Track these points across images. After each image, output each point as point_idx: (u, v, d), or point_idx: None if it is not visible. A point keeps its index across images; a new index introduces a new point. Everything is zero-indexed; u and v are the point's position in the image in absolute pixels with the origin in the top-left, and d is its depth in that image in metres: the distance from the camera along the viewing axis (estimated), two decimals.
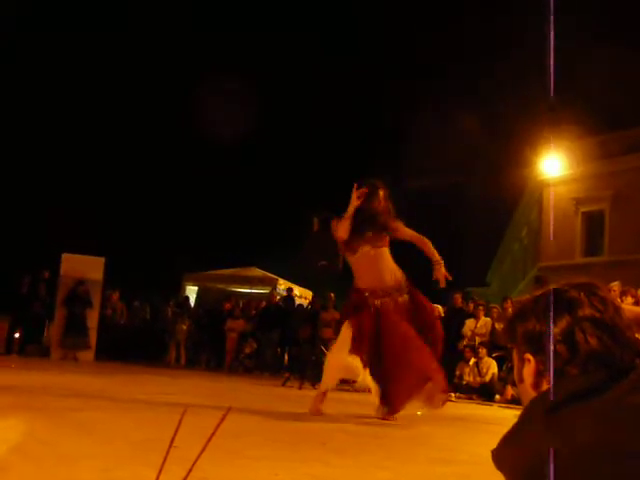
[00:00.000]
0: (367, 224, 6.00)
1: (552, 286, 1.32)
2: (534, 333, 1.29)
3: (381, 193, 6.10)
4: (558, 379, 1.23)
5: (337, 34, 48.68)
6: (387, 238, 6.12)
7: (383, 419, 5.87)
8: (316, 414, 5.87)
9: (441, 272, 6.20)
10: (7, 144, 30.25)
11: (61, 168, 33.12)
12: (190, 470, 1.25)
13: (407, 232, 6.20)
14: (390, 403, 5.92)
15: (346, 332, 5.95)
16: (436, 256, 6.24)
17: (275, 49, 42.29)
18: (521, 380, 1.34)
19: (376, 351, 5.88)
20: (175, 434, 1.27)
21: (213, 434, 1.23)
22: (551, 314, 1.25)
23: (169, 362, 17.41)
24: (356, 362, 5.82)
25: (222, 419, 1.25)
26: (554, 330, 1.26)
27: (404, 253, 6.53)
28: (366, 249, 6.02)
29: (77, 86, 37.19)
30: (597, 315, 1.25)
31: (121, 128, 36.66)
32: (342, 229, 5.96)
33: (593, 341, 1.23)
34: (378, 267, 6.05)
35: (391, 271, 6.12)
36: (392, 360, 5.85)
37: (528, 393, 1.30)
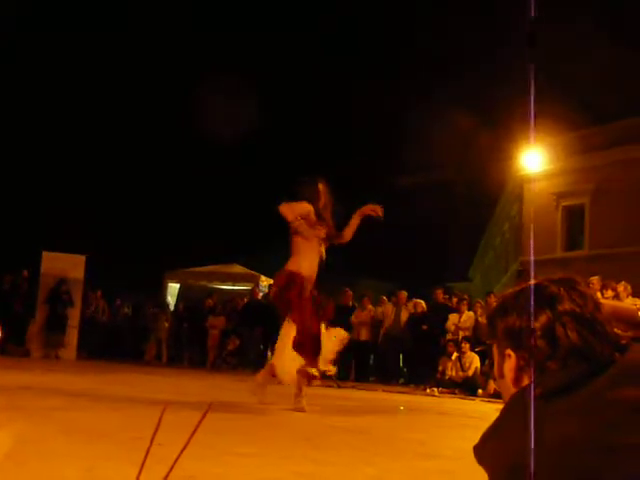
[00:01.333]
0: (320, 221, 6.30)
1: (531, 282, 1.33)
2: (514, 329, 1.30)
3: (322, 189, 6.40)
4: (539, 374, 1.24)
5: (337, 34, 48.65)
6: (323, 238, 6.43)
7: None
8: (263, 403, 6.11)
9: (371, 208, 6.63)
10: None
11: (43, 165, 32.92)
12: (172, 467, 1.25)
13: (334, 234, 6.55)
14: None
15: (289, 328, 6.20)
16: (361, 213, 6.64)
17: (275, 49, 42.24)
18: (501, 376, 1.35)
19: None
20: (155, 432, 1.27)
21: (195, 431, 1.23)
22: (531, 309, 1.26)
23: (149, 360, 17.35)
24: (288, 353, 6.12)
25: (203, 416, 1.25)
26: (535, 325, 1.27)
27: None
28: (315, 242, 6.32)
29: (76, 86, 36.99)
30: (577, 310, 1.26)
31: (112, 127, 36.49)
32: (291, 212, 6.19)
33: (573, 336, 1.24)
34: (316, 261, 6.35)
35: (316, 264, 6.41)
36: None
37: (509, 388, 1.31)
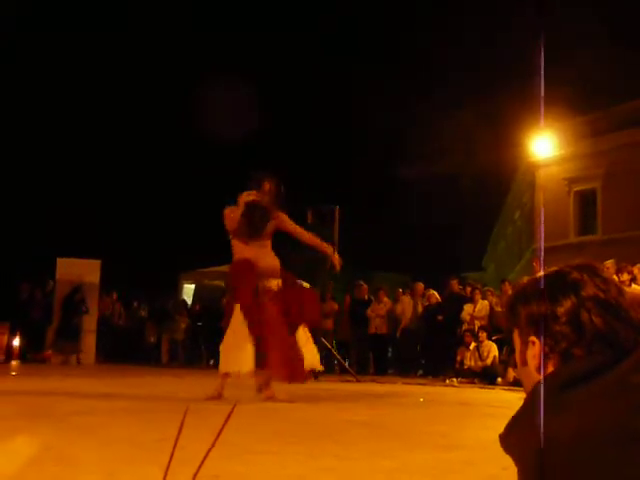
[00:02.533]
0: (257, 218, 6.43)
1: (553, 268, 1.32)
2: (538, 315, 1.28)
3: (267, 186, 6.53)
4: (564, 361, 1.23)
5: (337, 34, 48.59)
6: (271, 231, 6.59)
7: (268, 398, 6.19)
8: (217, 398, 6.10)
9: (335, 257, 6.88)
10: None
11: (54, 171, 33.05)
12: (199, 468, 1.24)
13: (290, 225, 6.72)
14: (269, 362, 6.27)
15: (239, 315, 6.31)
16: (324, 244, 6.93)
17: (275, 49, 42.22)
18: (524, 363, 1.33)
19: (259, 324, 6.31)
20: (179, 433, 1.26)
21: (220, 431, 1.22)
22: (544, 296, 1.24)
23: (166, 362, 17.40)
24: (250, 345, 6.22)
25: (229, 416, 1.25)
26: (559, 311, 1.25)
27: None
28: (255, 243, 6.45)
29: (76, 86, 37.07)
30: (601, 295, 1.25)
31: (114, 128, 36.58)
32: (231, 221, 6.41)
33: (598, 321, 1.22)
34: (261, 256, 6.45)
35: (270, 259, 6.54)
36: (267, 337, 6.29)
37: (532, 376, 1.29)
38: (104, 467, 2.67)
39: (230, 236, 6.53)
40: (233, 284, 6.58)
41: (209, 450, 1.25)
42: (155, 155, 37.12)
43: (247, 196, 6.43)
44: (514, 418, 1.22)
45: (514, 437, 1.21)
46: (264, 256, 6.47)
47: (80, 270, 16.25)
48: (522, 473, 1.18)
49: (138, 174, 35.56)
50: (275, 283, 6.48)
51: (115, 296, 18.35)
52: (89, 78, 38.40)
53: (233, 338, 6.29)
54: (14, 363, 14.45)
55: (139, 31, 37.20)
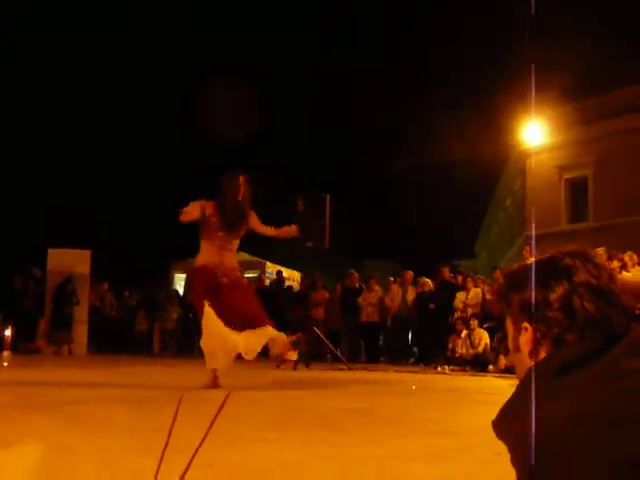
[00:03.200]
0: (235, 215, 6.56)
1: (546, 254, 1.33)
2: (530, 301, 1.29)
3: (242, 183, 6.65)
4: (557, 346, 1.24)
5: (337, 34, 48.41)
6: (244, 232, 6.73)
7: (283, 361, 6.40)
8: (212, 387, 6.19)
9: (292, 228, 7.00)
10: None
11: (45, 162, 32.93)
12: (193, 457, 1.25)
13: (258, 225, 6.81)
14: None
15: (210, 312, 6.36)
16: (285, 229, 6.98)
17: (275, 49, 42.07)
18: (517, 349, 1.34)
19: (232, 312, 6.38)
20: (173, 422, 1.27)
21: (214, 420, 1.23)
22: (547, 281, 1.25)
23: (156, 352, 17.40)
24: (232, 334, 6.29)
25: (222, 404, 1.25)
26: (551, 297, 1.26)
27: None
28: (223, 241, 6.55)
29: (72, 84, 36.88)
30: (593, 281, 1.26)
31: (105, 122, 36.44)
32: (191, 214, 6.51)
33: (590, 307, 1.23)
34: (226, 255, 6.58)
35: (233, 262, 6.69)
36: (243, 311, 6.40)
37: (524, 362, 1.31)
38: (100, 456, 2.68)
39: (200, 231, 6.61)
40: (194, 288, 6.73)
41: (203, 439, 1.26)
42: (146, 145, 37.01)
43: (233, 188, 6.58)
44: (507, 404, 1.23)
45: (507, 423, 1.22)
46: (229, 258, 6.60)
47: (71, 260, 16.21)
48: (515, 458, 1.19)
49: (127, 164, 35.47)
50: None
51: (106, 286, 18.32)
52: (89, 78, 38.23)
53: (210, 335, 6.36)
54: (6, 354, 14.43)
55: (139, 31, 37.03)
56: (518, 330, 1.32)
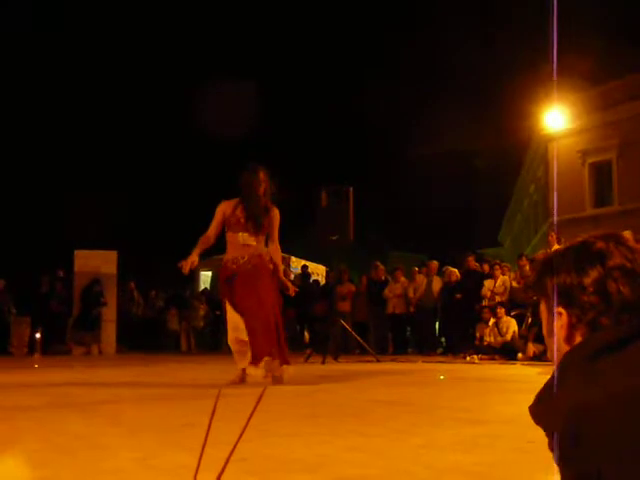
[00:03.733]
0: (251, 213, 6.45)
1: (578, 239, 1.32)
2: (565, 286, 1.28)
3: (262, 177, 6.53)
4: (592, 331, 1.24)
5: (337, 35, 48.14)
6: (266, 226, 6.57)
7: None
8: (238, 383, 6.24)
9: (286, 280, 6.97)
10: (12, 148, 30.37)
11: (70, 165, 33.24)
12: (232, 452, 1.26)
13: (275, 228, 6.64)
14: (255, 354, 6.20)
15: (229, 309, 6.44)
16: (281, 270, 6.80)
17: (275, 49, 41.99)
18: (551, 334, 1.34)
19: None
20: (212, 417, 1.28)
21: (251, 415, 1.24)
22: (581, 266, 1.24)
23: (184, 350, 17.51)
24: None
25: (259, 400, 1.26)
26: (586, 281, 1.26)
27: None
28: (246, 235, 6.45)
29: (92, 84, 37.16)
30: (628, 265, 1.25)
31: (130, 124, 36.66)
32: (222, 212, 6.51)
33: (626, 290, 1.23)
34: (250, 250, 6.46)
35: (257, 254, 6.49)
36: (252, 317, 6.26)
37: (560, 347, 1.30)
38: (135, 452, 2.71)
39: (226, 229, 6.57)
40: (218, 285, 6.79)
41: (241, 434, 1.26)
42: (170, 146, 37.22)
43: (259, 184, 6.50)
44: (544, 388, 1.23)
45: (544, 407, 1.22)
46: (254, 253, 6.46)
47: (97, 261, 16.36)
48: (553, 443, 1.19)
49: (157, 164, 35.67)
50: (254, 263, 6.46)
51: (133, 285, 18.47)
52: (110, 75, 38.46)
53: (232, 331, 6.42)
54: (37, 356, 14.58)
55: (139, 30, 37.18)
56: (553, 315, 1.32)
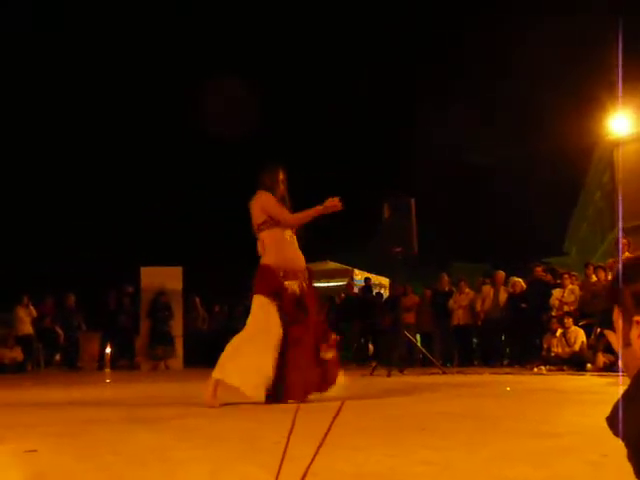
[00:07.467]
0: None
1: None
2: None
3: (281, 176, 6.22)
4: None
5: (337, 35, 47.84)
6: None
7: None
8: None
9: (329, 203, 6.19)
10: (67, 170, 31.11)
11: (135, 185, 33.86)
12: (308, 467, 1.27)
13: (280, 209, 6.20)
14: (288, 390, 5.78)
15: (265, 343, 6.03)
16: (316, 208, 6.19)
17: (275, 49, 42.00)
18: (628, 343, 1.32)
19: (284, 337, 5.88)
20: (290, 432, 1.29)
21: (329, 430, 1.25)
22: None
23: None
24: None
25: (337, 413, 1.27)
26: None
27: None
28: (288, 232, 6.09)
29: (92, 84, 37.46)
30: None
31: (191, 143, 37.06)
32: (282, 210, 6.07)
33: None
34: (294, 249, 6.12)
35: (300, 255, 6.17)
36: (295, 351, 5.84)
37: (636, 356, 1.28)
38: (205, 467, 2.74)
39: (261, 228, 6.08)
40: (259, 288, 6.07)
41: (318, 447, 1.27)
42: (229, 165, 37.52)
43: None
44: (622, 398, 1.21)
45: (623, 417, 1.20)
46: (293, 251, 6.10)
47: (163, 278, 16.65)
48: (632, 454, 1.17)
49: (216, 179, 35.99)
50: (297, 285, 6.01)
51: (198, 301, 18.70)
52: (105, 77, 38.60)
53: (257, 379, 5.87)
54: (107, 371, 14.88)
55: (139, 30, 37.51)
56: (629, 324, 1.30)
